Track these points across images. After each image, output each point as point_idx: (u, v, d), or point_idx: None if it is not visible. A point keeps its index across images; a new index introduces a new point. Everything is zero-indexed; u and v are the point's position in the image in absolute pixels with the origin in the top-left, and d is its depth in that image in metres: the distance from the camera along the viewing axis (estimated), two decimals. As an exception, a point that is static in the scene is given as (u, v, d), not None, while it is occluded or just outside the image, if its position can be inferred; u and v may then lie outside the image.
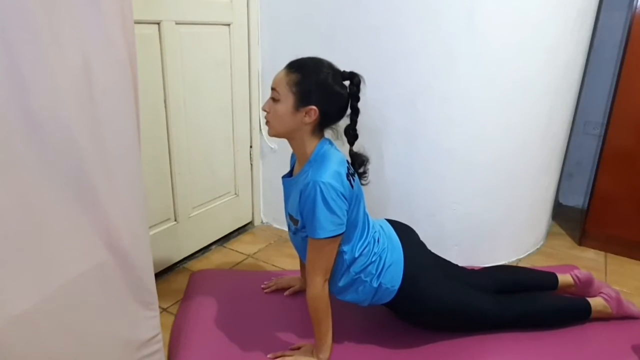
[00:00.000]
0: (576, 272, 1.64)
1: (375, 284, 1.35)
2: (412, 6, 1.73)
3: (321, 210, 1.19)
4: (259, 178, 2.34)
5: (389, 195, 2.00)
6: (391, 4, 1.76)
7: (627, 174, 2.05)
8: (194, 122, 1.89)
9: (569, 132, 2.22)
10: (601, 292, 1.58)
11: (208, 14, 1.86)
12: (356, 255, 1.34)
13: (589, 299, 1.55)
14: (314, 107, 1.22)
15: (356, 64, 1.88)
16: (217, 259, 2.08)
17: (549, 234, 2.37)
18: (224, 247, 2.19)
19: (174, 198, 1.90)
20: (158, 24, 1.65)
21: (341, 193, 1.21)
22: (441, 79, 1.78)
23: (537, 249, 2.22)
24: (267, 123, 1.30)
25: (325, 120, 1.28)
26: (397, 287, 1.36)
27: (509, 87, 1.78)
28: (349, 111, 1.31)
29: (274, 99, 1.26)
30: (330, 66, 1.27)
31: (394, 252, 1.39)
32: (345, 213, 1.25)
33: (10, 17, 0.81)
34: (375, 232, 1.40)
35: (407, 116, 1.87)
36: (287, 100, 1.23)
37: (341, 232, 1.25)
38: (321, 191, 1.18)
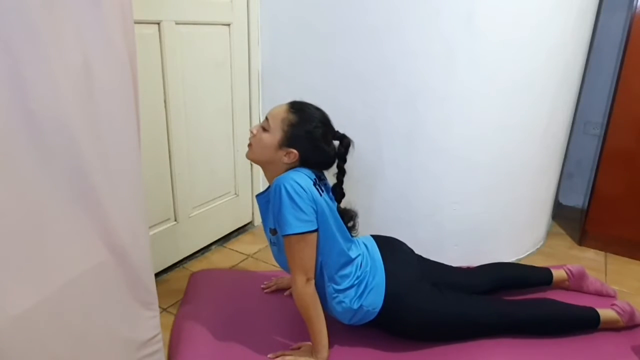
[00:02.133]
0: (568, 266, 1.68)
1: (355, 306, 1.34)
2: (412, 6, 1.74)
3: (286, 206, 1.21)
4: (259, 178, 2.34)
5: (389, 196, 2.00)
6: (391, 4, 1.76)
7: (627, 174, 2.05)
8: (194, 122, 1.89)
9: (569, 132, 2.22)
10: (614, 305, 1.52)
11: (208, 14, 1.86)
12: (335, 273, 1.33)
13: (599, 310, 1.49)
14: (295, 151, 1.27)
15: (356, 64, 1.90)
16: (217, 259, 2.08)
17: (549, 234, 2.37)
18: (224, 247, 2.19)
19: (174, 198, 1.90)
20: (158, 24, 1.65)
21: (305, 191, 1.23)
22: (441, 79, 1.78)
23: (537, 249, 2.22)
24: (249, 145, 1.34)
25: (303, 166, 1.31)
26: (378, 309, 1.35)
27: (509, 87, 1.78)
28: (336, 170, 1.35)
29: (264, 128, 1.30)
30: (325, 122, 1.31)
31: (377, 275, 1.36)
32: (313, 211, 1.25)
33: (10, 17, 0.81)
34: (359, 255, 1.38)
35: (407, 116, 1.87)
36: (275, 134, 1.28)
37: (310, 229, 1.24)
38: (285, 188, 1.21)
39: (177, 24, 1.71)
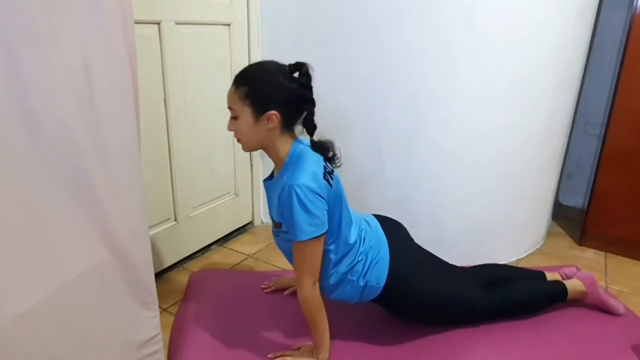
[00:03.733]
0: (564, 269, 1.67)
1: (362, 283, 1.35)
2: (412, 6, 1.73)
3: (299, 213, 1.18)
4: (259, 178, 2.34)
5: (389, 196, 2.00)
6: (391, 4, 1.76)
7: (627, 174, 2.05)
8: (194, 122, 1.89)
9: (569, 132, 2.22)
10: (577, 275, 1.63)
11: (208, 14, 1.86)
12: (342, 254, 1.33)
13: (566, 282, 1.59)
14: (272, 111, 1.21)
15: (356, 64, 1.90)
16: (217, 259, 2.08)
17: (549, 234, 2.37)
18: (224, 247, 2.19)
19: (174, 198, 1.90)
20: (158, 24, 1.66)
21: (318, 193, 1.20)
22: (441, 79, 1.78)
23: (537, 249, 2.22)
24: (238, 141, 1.31)
25: (289, 119, 1.26)
26: (382, 284, 1.36)
27: (509, 87, 1.78)
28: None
29: (234, 118, 1.25)
30: (274, 66, 1.24)
31: (381, 249, 1.38)
32: (325, 212, 1.24)
33: (10, 17, 0.81)
34: (361, 230, 1.39)
35: (407, 116, 1.87)
36: (245, 114, 1.22)
37: (322, 232, 1.24)
38: (297, 194, 1.17)
39: (177, 24, 1.71)
